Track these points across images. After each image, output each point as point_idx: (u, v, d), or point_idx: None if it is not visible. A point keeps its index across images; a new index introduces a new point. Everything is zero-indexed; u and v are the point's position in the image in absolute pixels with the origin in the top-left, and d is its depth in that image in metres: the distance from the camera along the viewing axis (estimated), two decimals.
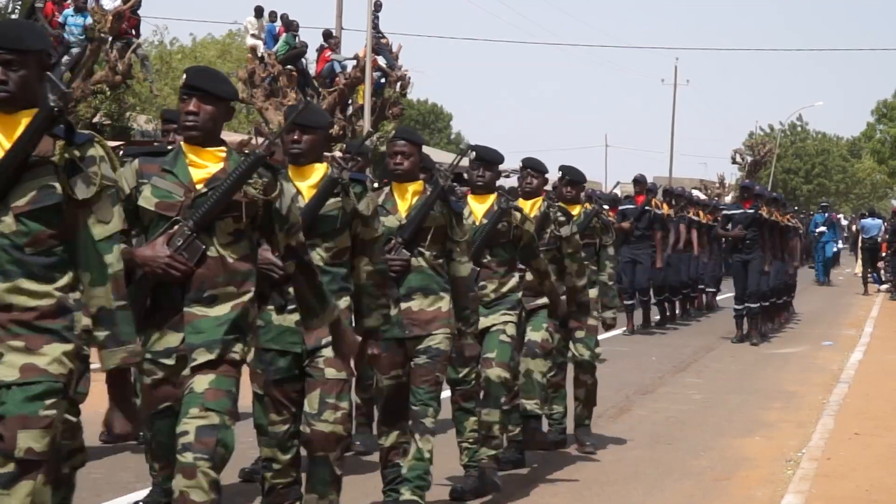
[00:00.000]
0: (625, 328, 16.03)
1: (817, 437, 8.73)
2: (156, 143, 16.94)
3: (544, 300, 7.22)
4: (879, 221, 26.97)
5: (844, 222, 42.79)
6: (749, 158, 51.56)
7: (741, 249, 15.41)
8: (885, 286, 25.84)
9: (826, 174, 71.68)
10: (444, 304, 5.94)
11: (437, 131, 61.81)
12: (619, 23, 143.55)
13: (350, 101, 22.87)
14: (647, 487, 7.34)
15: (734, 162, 52.35)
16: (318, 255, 5.09)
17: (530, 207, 7.31)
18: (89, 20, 16.25)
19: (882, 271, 26.62)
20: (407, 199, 5.99)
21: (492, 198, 6.69)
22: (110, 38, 16.48)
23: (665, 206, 17.16)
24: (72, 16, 16.35)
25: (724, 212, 16.53)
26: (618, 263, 17.04)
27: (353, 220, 5.23)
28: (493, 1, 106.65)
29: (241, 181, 4.32)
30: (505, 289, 6.71)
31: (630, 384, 11.70)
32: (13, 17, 17.23)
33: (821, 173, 71.34)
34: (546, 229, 7.27)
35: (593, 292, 8.18)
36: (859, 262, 28.52)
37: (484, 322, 6.53)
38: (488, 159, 6.69)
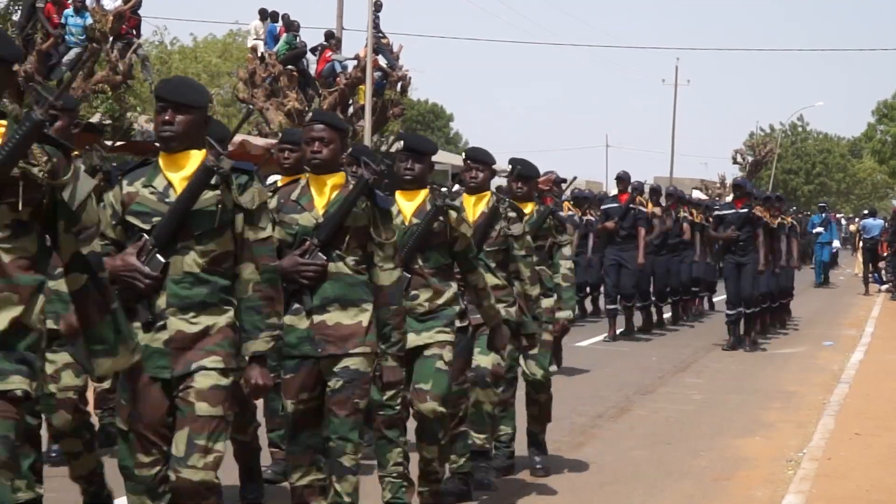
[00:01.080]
0: (605, 335, 15.47)
1: (818, 438, 8.73)
2: (157, 143, 16.97)
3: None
4: (881, 221, 26.95)
5: (843, 222, 42.62)
6: (750, 158, 51.58)
7: (734, 251, 14.71)
8: (885, 286, 25.84)
9: (827, 174, 71.71)
10: (366, 317, 5.11)
11: (437, 130, 61.82)
12: (620, 23, 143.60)
13: (351, 102, 22.87)
14: (647, 487, 7.34)
15: (735, 162, 52.37)
16: (192, 261, 4.34)
17: (475, 204, 6.57)
18: (90, 20, 16.25)
19: (883, 271, 26.60)
20: (325, 193, 5.17)
21: (423, 194, 5.87)
22: (111, 39, 16.47)
23: (650, 204, 16.21)
24: (72, 16, 16.35)
25: (716, 212, 15.67)
26: (598, 266, 16.39)
27: (235, 218, 4.42)
28: (493, 1, 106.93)
29: (14, 152, 3.39)
30: (441, 300, 5.83)
31: (630, 384, 11.70)
32: (14, 17, 17.23)
33: (821, 173, 71.36)
34: (495, 226, 6.53)
35: (548, 302, 7.41)
36: (859, 262, 28.51)
37: (414, 339, 5.71)
38: (418, 149, 5.87)
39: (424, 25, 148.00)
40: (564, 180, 11.64)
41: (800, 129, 73.29)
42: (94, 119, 16.32)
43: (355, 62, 22.49)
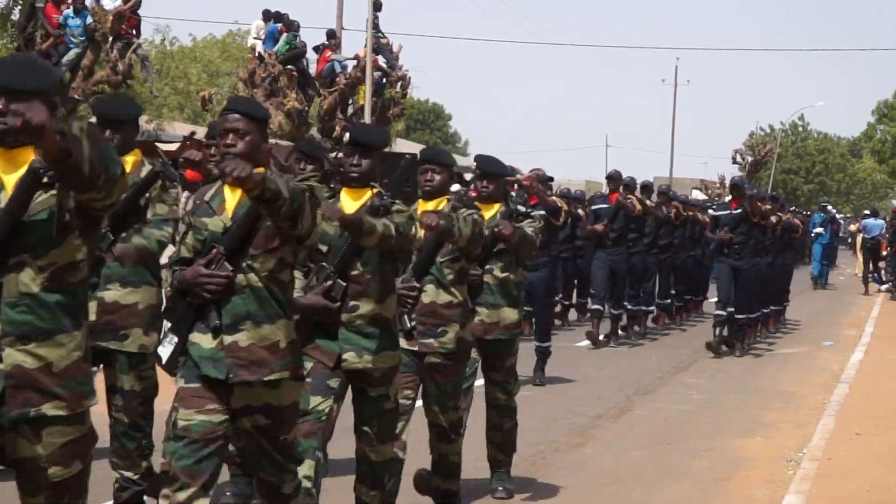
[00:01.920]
0: (591, 342, 14.56)
1: (818, 438, 8.72)
2: (157, 143, 17.02)
3: (444, 342, 5.91)
4: (881, 221, 26.94)
5: (841, 222, 42.46)
6: (750, 158, 51.59)
7: (728, 254, 14.11)
8: (885, 286, 25.83)
9: (827, 174, 71.71)
10: (284, 335, 4.46)
11: (437, 130, 61.83)
12: (620, 23, 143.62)
13: (351, 102, 22.86)
14: (646, 487, 7.34)
15: (735, 162, 52.36)
16: (28, 279, 3.52)
17: (433, 209, 5.94)
18: (90, 20, 16.24)
19: (883, 271, 26.60)
20: (238, 193, 4.52)
21: (368, 192, 5.27)
22: (111, 38, 16.47)
23: (643, 203, 15.27)
24: (72, 17, 16.34)
25: (711, 212, 15.13)
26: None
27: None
28: (493, 1, 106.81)
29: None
30: (384, 310, 5.26)
31: (630, 384, 11.70)
32: (14, 17, 17.23)
33: (821, 173, 71.36)
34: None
35: (511, 314, 6.84)
36: (859, 262, 28.48)
37: (353, 360, 5.16)
38: (364, 143, 5.28)
39: (424, 25, 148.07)
40: (551, 178, 11.44)
41: (800, 129, 73.29)
42: (93, 120, 16.32)
43: (355, 62, 22.48)
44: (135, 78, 16.80)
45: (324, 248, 5.17)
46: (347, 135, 5.48)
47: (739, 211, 14.02)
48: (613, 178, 14.73)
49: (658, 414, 10.10)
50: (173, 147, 16.72)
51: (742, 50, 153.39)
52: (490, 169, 6.82)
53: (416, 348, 5.90)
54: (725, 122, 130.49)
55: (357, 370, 5.19)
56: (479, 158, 6.96)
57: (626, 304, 15.20)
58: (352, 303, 5.17)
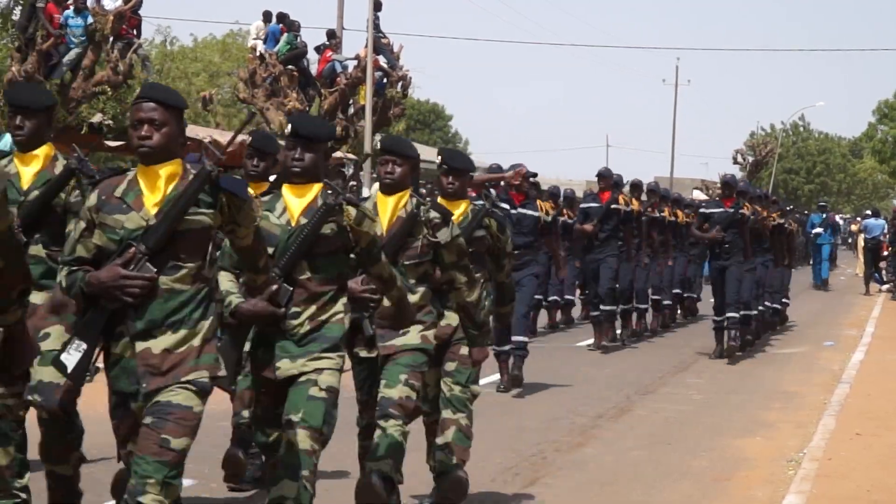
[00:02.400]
0: (590, 343, 14.42)
1: (818, 438, 8.72)
2: None
3: (407, 340, 5.58)
4: (882, 221, 26.92)
5: (841, 222, 42.30)
6: (750, 158, 51.61)
7: (719, 254, 13.63)
8: (886, 286, 25.83)
9: (827, 174, 71.72)
10: (199, 338, 4.16)
11: (437, 130, 61.83)
12: (621, 23, 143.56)
13: (351, 102, 22.87)
14: (646, 487, 7.34)
15: (735, 162, 52.38)
16: None
17: (394, 205, 5.59)
18: (90, 20, 16.25)
19: (884, 271, 26.58)
20: (159, 188, 4.18)
21: (315, 189, 4.87)
22: (111, 39, 16.48)
23: (635, 202, 14.86)
24: (72, 17, 16.35)
25: (702, 210, 14.34)
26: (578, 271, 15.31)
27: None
28: (493, 1, 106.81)
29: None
30: (326, 315, 4.84)
31: (630, 384, 11.70)
32: (14, 17, 17.22)
33: (822, 173, 71.37)
34: (415, 234, 5.57)
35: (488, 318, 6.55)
36: (860, 262, 28.46)
37: (289, 367, 4.79)
38: (307, 136, 4.84)
39: (425, 25, 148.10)
40: (535, 174, 10.87)
41: (801, 128, 73.30)
42: (95, 119, 16.33)
43: (356, 62, 22.48)
44: (135, 78, 16.79)
45: (269, 250, 4.69)
46: (289, 126, 4.84)
47: (732, 210, 13.55)
48: (604, 177, 14.28)
49: (658, 414, 10.10)
50: None
51: (742, 50, 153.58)
52: (456, 164, 6.43)
53: (374, 354, 5.51)
54: (726, 122, 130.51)
55: (290, 375, 4.81)
56: (443, 152, 6.53)
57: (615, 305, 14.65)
58: (294, 309, 4.78)
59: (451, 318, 6.16)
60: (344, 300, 4.93)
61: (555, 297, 16.07)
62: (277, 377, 4.80)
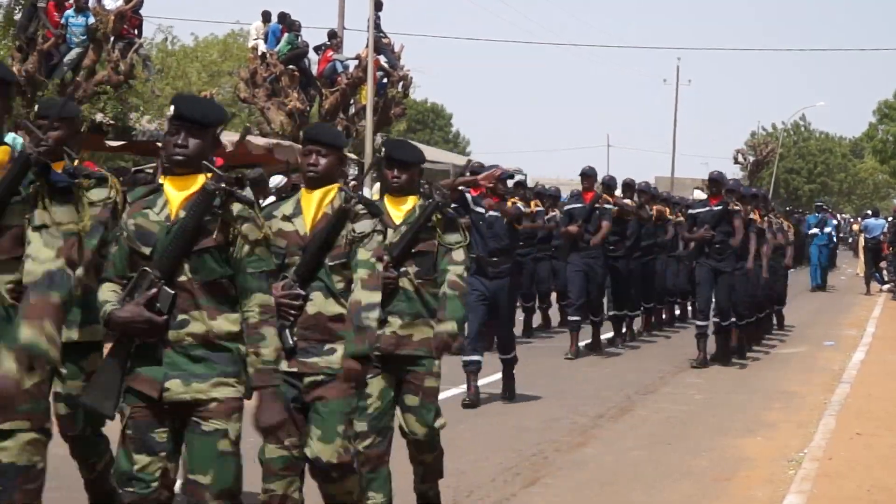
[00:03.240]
0: (567, 351, 13.41)
1: (819, 438, 8.72)
2: (158, 143, 17.02)
3: (332, 361, 4.85)
4: (883, 221, 26.90)
5: (834, 222, 41.85)
6: (751, 158, 51.65)
7: (708, 254, 12.93)
8: (886, 286, 25.82)
9: (828, 174, 71.72)
10: (10, 364, 3.73)
11: (437, 130, 61.85)
12: (621, 23, 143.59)
13: (352, 102, 22.88)
14: (646, 487, 7.34)
15: (736, 162, 52.44)
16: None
17: (319, 201, 4.95)
18: (91, 20, 16.25)
19: (884, 271, 26.58)
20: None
21: (199, 180, 4.25)
22: (112, 38, 16.49)
23: (627, 202, 14.58)
24: (73, 16, 16.35)
25: (690, 211, 13.77)
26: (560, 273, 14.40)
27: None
28: (493, 0, 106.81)
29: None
30: (221, 329, 4.20)
31: (631, 384, 11.70)
32: (16, 16, 17.23)
33: (823, 173, 71.37)
34: (341, 231, 4.91)
35: (431, 329, 5.81)
36: (861, 262, 28.44)
37: (178, 389, 4.14)
38: (193, 120, 4.25)
39: (425, 25, 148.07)
40: (512, 175, 10.40)
41: (802, 128, 73.32)
42: (97, 118, 16.33)
43: (356, 62, 22.49)
44: (136, 78, 16.80)
45: (146, 251, 4.20)
46: (172, 107, 4.32)
47: (720, 208, 12.91)
48: (588, 176, 13.54)
49: (659, 414, 10.10)
50: None
51: (743, 50, 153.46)
52: (401, 156, 5.84)
53: (294, 369, 4.84)
54: (727, 122, 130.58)
55: (184, 402, 4.15)
56: (388, 143, 6.03)
57: (606, 310, 14.33)
58: (180, 316, 4.17)
59: (423, 327, 5.76)
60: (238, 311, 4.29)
61: (531, 304, 15.56)
62: (164, 398, 4.14)
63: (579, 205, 13.46)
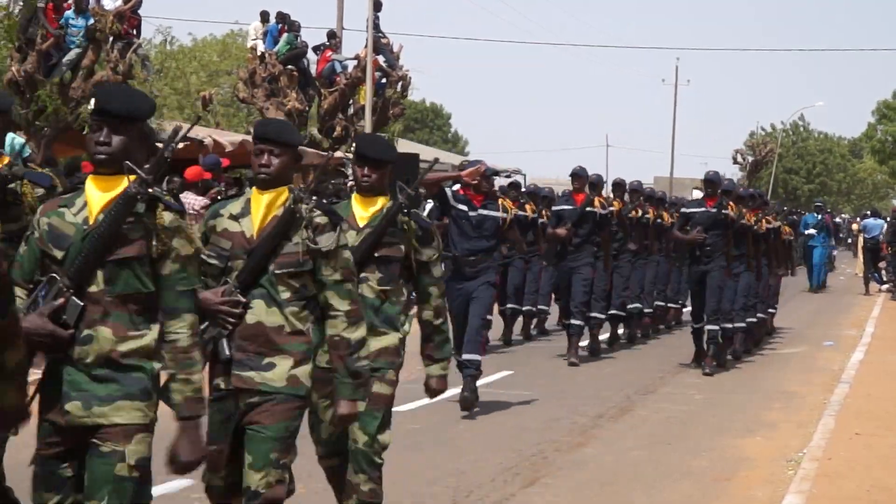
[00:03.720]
0: (568, 355, 12.88)
1: (818, 438, 8.72)
2: (157, 143, 16.92)
3: (270, 379, 4.43)
4: (881, 221, 26.89)
5: (840, 222, 41.62)
6: (750, 158, 51.67)
7: (699, 257, 12.54)
8: (885, 286, 25.83)
9: (827, 174, 71.78)
10: None
11: (436, 130, 61.87)
12: (620, 23, 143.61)
13: (351, 102, 22.87)
14: (647, 487, 7.33)
15: (735, 162, 52.46)
16: None
17: (269, 203, 4.51)
18: (91, 21, 16.23)
19: (883, 271, 26.59)
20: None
21: (123, 182, 3.86)
22: (111, 38, 16.47)
23: (616, 202, 13.95)
24: (73, 18, 16.33)
25: (683, 210, 13.22)
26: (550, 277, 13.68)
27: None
28: (493, 0, 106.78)
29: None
30: (131, 348, 3.83)
31: (630, 384, 11.69)
32: (16, 16, 17.20)
33: (822, 173, 71.42)
34: (291, 237, 4.48)
35: (386, 340, 5.32)
36: (860, 262, 28.43)
37: (78, 413, 3.78)
38: (115, 114, 3.87)
39: (424, 25, 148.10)
40: (498, 173, 9.96)
41: (801, 128, 73.37)
42: None
43: (355, 62, 22.49)
44: (135, 78, 16.77)
45: (58, 254, 3.83)
46: (92, 101, 3.91)
47: (715, 210, 12.47)
48: (578, 176, 12.90)
49: (659, 414, 10.10)
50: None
51: (742, 50, 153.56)
52: (372, 153, 5.37)
53: (230, 386, 4.49)
54: (726, 122, 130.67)
55: (84, 426, 3.78)
56: (359, 140, 5.62)
57: (592, 314, 13.36)
58: (86, 331, 3.78)
59: (382, 338, 5.31)
60: (155, 328, 3.88)
61: (528, 307, 14.90)
62: (66, 423, 3.78)
63: (569, 206, 12.84)
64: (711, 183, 12.78)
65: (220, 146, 16.15)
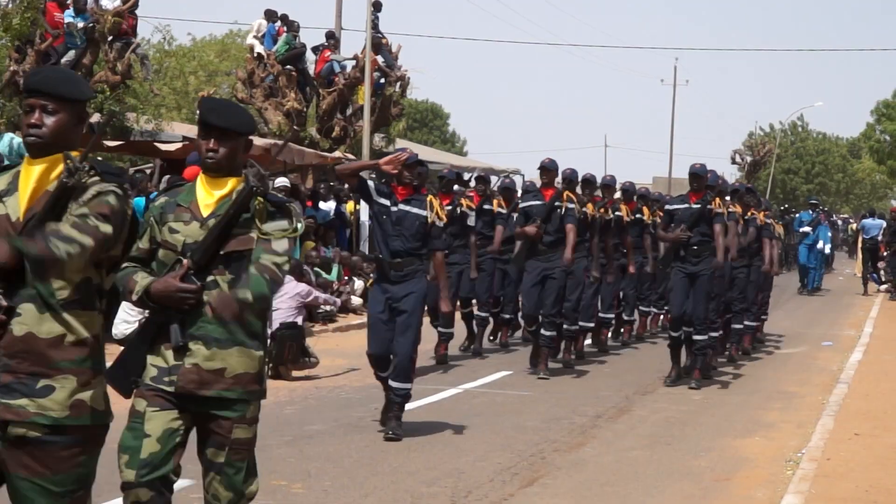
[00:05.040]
0: (536, 369, 11.91)
1: (817, 438, 8.73)
2: (156, 143, 17.01)
3: (45, 406, 3.61)
4: (880, 222, 26.90)
5: (839, 222, 41.28)
6: (749, 158, 51.71)
7: (684, 257, 11.48)
8: (884, 286, 25.84)
9: (826, 174, 71.81)
10: None
11: (435, 129, 61.86)
12: (619, 23, 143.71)
13: (350, 102, 22.88)
14: (646, 487, 7.33)
15: (734, 162, 52.51)
16: None
17: (40, 175, 3.68)
18: (89, 19, 16.23)
19: (882, 271, 26.60)
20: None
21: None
22: (109, 38, 16.48)
23: (589, 204, 12.55)
24: (72, 18, 16.33)
25: (667, 207, 12.15)
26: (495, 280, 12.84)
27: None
28: (492, 1, 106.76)
29: None
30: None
31: (630, 384, 11.69)
32: (15, 21, 17.23)
33: (821, 173, 71.46)
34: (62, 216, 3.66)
35: (248, 361, 4.31)
36: (859, 262, 28.45)
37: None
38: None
39: (424, 25, 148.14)
40: (421, 162, 8.61)
41: (800, 129, 73.41)
42: (93, 119, 16.33)
43: (354, 62, 22.49)
44: (134, 77, 16.78)
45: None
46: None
47: (699, 206, 11.49)
48: (547, 169, 11.76)
49: (658, 414, 10.10)
50: (172, 147, 16.74)
51: (741, 50, 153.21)
52: (219, 121, 4.30)
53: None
54: (724, 123, 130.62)
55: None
56: (204, 103, 4.44)
57: (575, 325, 12.51)
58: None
59: (235, 358, 4.27)
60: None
61: (507, 315, 14.05)
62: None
63: (537, 202, 11.74)
64: (697, 177, 11.64)
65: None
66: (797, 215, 29.62)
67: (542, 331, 11.76)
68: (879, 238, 25.98)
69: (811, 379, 12.44)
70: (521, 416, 9.73)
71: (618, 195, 14.40)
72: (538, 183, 12.27)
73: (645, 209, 14.80)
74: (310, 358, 11.38)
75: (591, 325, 13.52)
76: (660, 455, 8.33)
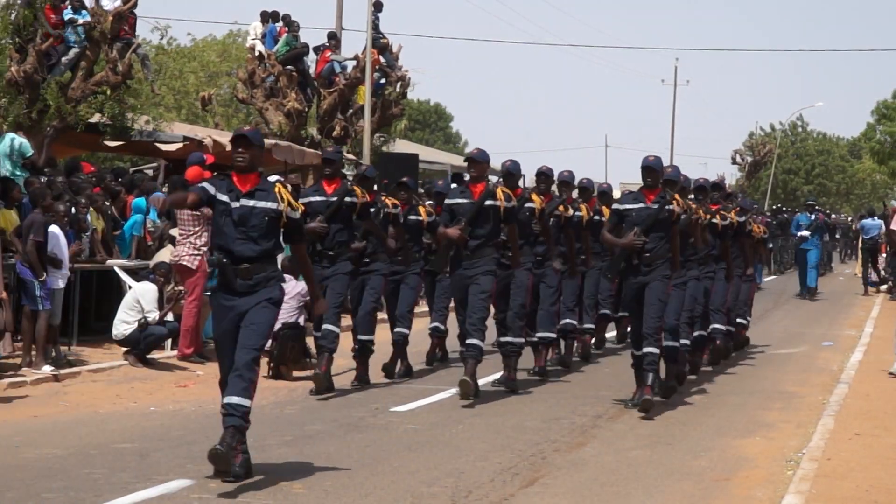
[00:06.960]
0: (495, 381, 11.17)
1: (817, 438, 8.73)
2: (156, 143, 16.99)
3: None
4: (880, 222, 26.86)
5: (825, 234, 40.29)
6: (749, 159, 51.71)
7: (637, 266, 9.91)
8: (884, 286, 25.82)
9: (826, 174, 71.80)
10: None
11: (437, 130, 61.84)
12: (619, 23, 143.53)
13: (351, 102, 22.87)
14: (647, 488, 7.33)
15: (734, 162, 52.51)
16: None
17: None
18: (89, 19, 16.21)
19: (882, 271, 26.58)
20: None
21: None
22: (110, 38, 16.46)
23: (535, 197, 11.28)
24: (71, 16, 16.30)
25: (615, 206, 10.39)
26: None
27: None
28: (492, 1, 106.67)
29: None
30: None
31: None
32: (13, 16, 17.18)
33: (821, 174, 71.44)
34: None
35: None
36: (859, 262, 28.43)
37: None
38: None
39: (424, 26, 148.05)
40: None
41: (800, 129, 73.39)
42: (94, 119, 16.32)
43: (354, 62, 22.49)
44: (134, 78, 16.76)
45: None
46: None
47: (656, 206, 9.92)
48: (477, 162, 10.32)
49: (658, 414, 10.08)
50: (172, 148, 16.74)
51: (742, 50, 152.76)
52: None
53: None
54: (725, 123, 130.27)
55: None
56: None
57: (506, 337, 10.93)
58: None
59: None
60: None
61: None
62: None
63: (465, 200, 10.34)
64: (651, 171, 9.92)
65: (219, 146, 16.14)
66: (795, 217, 29.39)
67: (469, 340, 10.34)
68: (879, 238, 25.95)
69: (811, 379, 12.44)
70: (521, 416, 9.73)
71: (575, 193, 13.06)
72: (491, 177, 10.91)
73: (605, 209, 12.88)
74: (310, 358, 11.40)
75: (553, 335, 12.10)
76: (660, 455, 8.33)
